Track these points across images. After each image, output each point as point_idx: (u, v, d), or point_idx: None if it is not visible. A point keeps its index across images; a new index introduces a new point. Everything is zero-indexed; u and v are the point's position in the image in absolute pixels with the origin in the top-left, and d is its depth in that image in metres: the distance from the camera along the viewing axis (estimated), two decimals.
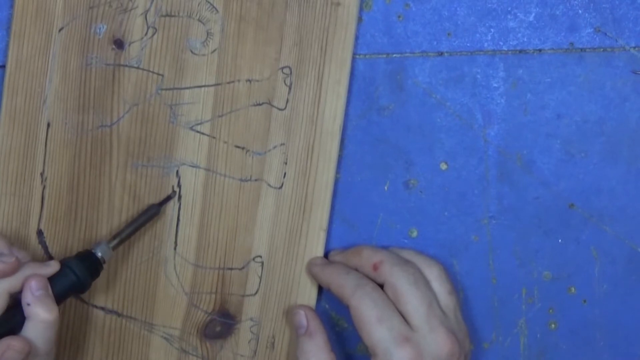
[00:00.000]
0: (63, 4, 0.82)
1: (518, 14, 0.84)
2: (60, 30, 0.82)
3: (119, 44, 0.82)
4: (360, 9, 0.84)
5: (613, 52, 0.85)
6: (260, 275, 0.85)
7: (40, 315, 0.74)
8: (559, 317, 0.88)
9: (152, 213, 0.82)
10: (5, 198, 0.82)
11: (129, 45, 0.82)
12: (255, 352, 0.85)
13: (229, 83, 0.83)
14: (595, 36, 0.85)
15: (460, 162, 0.85)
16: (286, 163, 0.84)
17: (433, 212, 0.86)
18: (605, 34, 0.84)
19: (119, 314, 0.84)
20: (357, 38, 0.84)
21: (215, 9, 0.82)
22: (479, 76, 0.85)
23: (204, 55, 0.83)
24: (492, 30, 0.85)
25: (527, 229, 0.86)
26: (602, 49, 0.85)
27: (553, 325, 0.88)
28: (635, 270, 0.86)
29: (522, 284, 0.87)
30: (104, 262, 0.79)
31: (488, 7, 0.84)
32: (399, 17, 0.84)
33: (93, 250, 0.79)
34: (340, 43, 0.83)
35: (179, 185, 0.84)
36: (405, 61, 0.84)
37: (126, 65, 0.83)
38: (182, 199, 0.84)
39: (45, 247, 0.83)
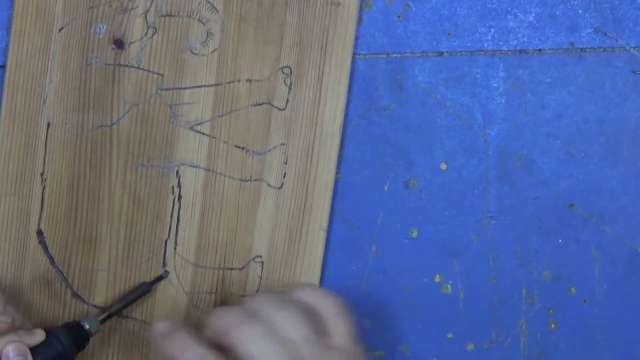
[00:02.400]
0: (63, 4, 0.82)
1: (518, 14, 0.84)
2: (60, 30, 0.82)
3: (119, 44, 0.82)
4: (360, 9, 0.84)
5: (613, 52, 0.85)
6: (260, 275, 0.84)
7: None
8: (559, 317, 0.88)
9: (142, 291, 0.83)
10: (5, 198, 0.82)
11: (129, 45, 0.82)
12: None
13: (229, 83, 0.83)
14: (595, 36, 0.85)
15: (460, 162, 0.85)
16: (286, 163, 0.84)
17: (433, 212, 0.86)
18: (605, 34, 0.84)
19: (121, 315, 0.84)
20: (357, 38, 0.84)
21: (215, 9, 0.82)
22: (479, 76, 0.85)
23: (204, 55, 0.83)
24: (492, 30, 0.85)
25: (527, 229, 0.86)
26: (602, 49, 0.85)
27: (553, 325, 0.88)
28: (635, 270, 0.86)
29: (522, 284, 0.87)
30: (91, 334, 0.80)
31: (488, 7, 0.84)
32: (399, 17, 0.84)
33: (81, 322, 0.80)
34: (341, 43, 0.83)
35: (179, 185, 0.84)
36: (405, 61, 0.84)
37: (126, 65, 0.83)
38: (182, 198, 0.84)
39: (45, 247, 0.83)
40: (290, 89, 0.83)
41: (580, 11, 0.84)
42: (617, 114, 0.85)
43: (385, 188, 0.86)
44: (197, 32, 0.83)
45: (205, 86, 0.83)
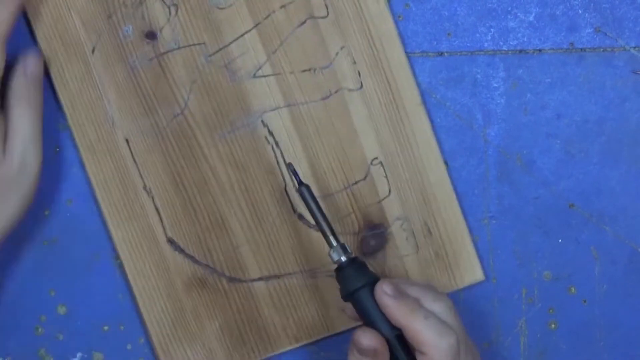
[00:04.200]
0: (83, 27, 0.82)
1: (518, 14, 0.84)
2: (93, 51, 0.82)
3: (151, 35, 0.82)
4: None
5: (613, 52, 0.84)
6: (385, 174, 0.84)
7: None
8: (559, 317, 0.87)
9: (310, 193, 0.78)
10: (123, 225, 0.83)
11: (160, 32, 0.82)
12: (417, 245, 0.84)
13: (266, 18, 0.83)
14: (595, 36, 0.84)
15: (460, 162, 0.85)
16: (355, 62, 0.83)
17: None
18: (605, 34, 0.84)
19: (278, 276, 0.84)
20: None
21: None
22: (479, 76, 0.85)
23: (230, 5, 0.83)
24: (492, 30, 0.84)
25: (527, 229, 0.86)
26: (602, 49, 0.84)
27: (553, 325, 0.87)
28: (635, 270, 0.86)
29: (522, 284, 0.86)
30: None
31: (488, 7, 0.84)
32: (399, 17, 0.84)
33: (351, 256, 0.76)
34: None
35: (270, 134, 0.83)
36: None
37: (167, 51, 0.82)
38: (280, 143, 0.83)
39: (182, 251, 0.83)
40: None
41: (580, 11, 0.84)
42: (617, 114, 0.85)
43: None
44: None
45: (246, 33, 0.83)
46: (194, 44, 0.83)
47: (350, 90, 0.84)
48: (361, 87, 0.84)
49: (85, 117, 0.82)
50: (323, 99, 0.84)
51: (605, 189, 0.86)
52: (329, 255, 0.76)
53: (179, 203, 0.83)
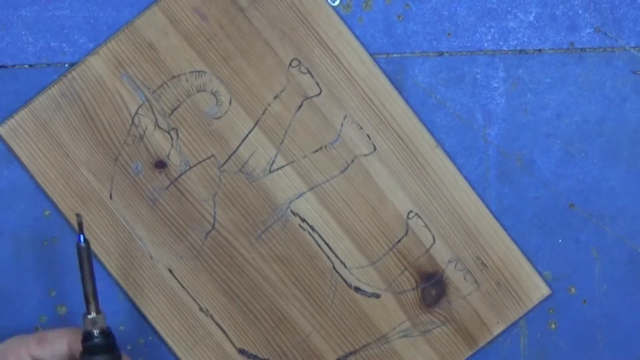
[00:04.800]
0: (94, 177, 0.83)
1: (518, 14, 0.84)
2: (110, 197, 0.83)
3: (161, 164, 0.83)
4: (360, 9, 0.83)
5: (613, 52, 0.84)
6: (424, 224, 0.84)
7: None
8: (559, 317, 0.87)
9: (84, 252, 0.71)
10: (192, 352, 0.84)
11: (168, 158, 0.83)
12: (475, 281, 0.85)
13: (264, 113, 0.83)
14: (595, 36, 0.84)
15: (460, 162, 0.85)
16: (361, 127, 0.84)
17: None
18: (605, 34, 0.84)
19: (354, 352, 0.85)
20: (357, 38, 0.83)
21: (202, 71, 0.83)
22: (479, 76, 0.85)
23: (226, 111, 0.83)
24: (492, 30, 0.84)
25: (527, 229, 0.86)
26: (602, 49, 0.84)
27: (553, 325, 0.87)
28: (635, 270, 0.86)
29: None
30: (107, 328, 0.71)
31: (488, 7, 0.84)
32: (399, 17, 0.84)
33: (93, 335, 0.71)
34: (310, 1, 0.83)
35: (303, 220, 0.84)
36: (405, 61, 0.84)
37: (181, 174, 0.83)
38: (315, 227, 0.84)
39: (256, 358, 0.84)
40: (310, 73, 0.83)
41: (580, 11, 0.84)
42: (617, 114, 0.85)
43: None
44: (206, 100, 0.83)
45: (249, 133, 0.83)
46: (203, 160, 0.83)
47: (365, 155, 0.84)
48: (375, 149, 0.84)
49: (124, 262, 0.83)
50: (342, 172, 0.84)
51: (605, 189, 0.85)
52: (83, 321, 0.71)
53: (238, 313, 0.84)
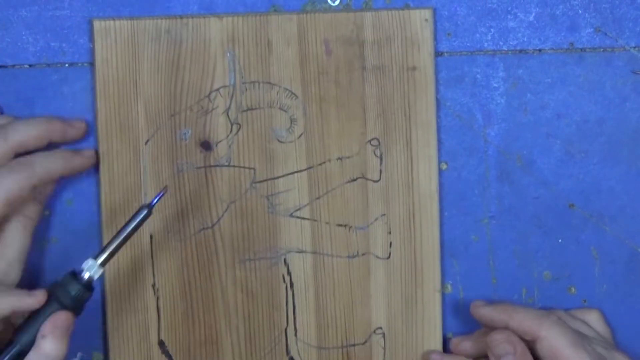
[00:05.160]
0: (145, 116, 0.82)
1: (518, 14, 0.84)
2: (146, 143, 0.83)
3: (207, 145, 0.83)
4: (360, 9, 0.83)
5: (613, 52, 0.84)
6: (383, 346, 0.85)
7: (48, 350, 0.72)
8: None
9: (141, 217, 0.75)
10: (121, 315, 0.83)
11: (216, 145, 0.83)
12: None
13: (320, 165, 0.84)
14: (595, 36, 0.85)
15: (460, 162, 0.85)
16: (390, 233, 0.84)
17: None
18: (605, 34, 0.84)
19: None
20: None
21: (294, 94, 0.83)
22: (479, 76, 0.85)
23: (291, 141, 0.83)
24: (492, 30, 0.84)
25: (527, 229, 0.86)
26: (602, 49, 0.84)
27: None
28: (635, 270, 0.86)
29: (522, 284, 0.87)
30: (93, 280, 0.74)
31: (488, 7, 0.84)
32: None
33: (80, 273, 0.75)
34: (423, 106, 0.83)
35: (288, 273, 0.84)
36: None
37: (217, 165, 0.83)
38: (295, 285, 0.84)
39: (169, 357, 0.84)
40: (381, 159, 0.84)
41: (580, 11, 0.84)
42: (617, 114, 0.85)
43: None
44: (281, 120, 0.83)
45: (297, 172, 0.83)
46: (244, 167, 0.83)
47: (377, 257, 0.85)
48: (389, 257, 0.84)
49: (119, 200, 0.83)
50: (349, 257, 0.84)
51: (605, 189, 0.86)
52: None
53: (181, 310, 0.84)
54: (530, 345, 0.78)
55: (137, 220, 0.75)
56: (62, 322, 0.73)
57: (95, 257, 0.74)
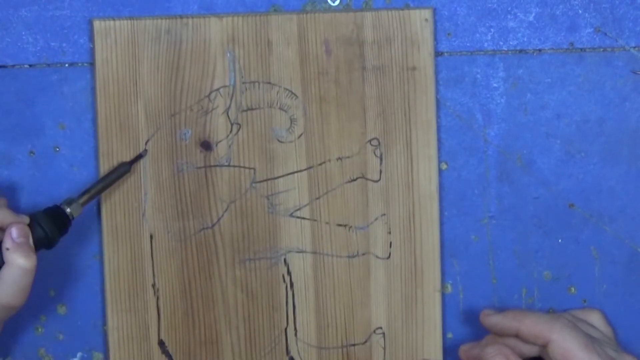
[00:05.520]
0: (145, 116, 0.82)
1: (518, 14, 0.84)
2: (146, 143, 0.83)
3: (207, 145, 0.83)
4: (360, 9, 0.83)
5: (613, 52, 0.84)
6: (383, 346, 0.85)
7: (18, 260, 0.74)
8: None
9: (122, 171, 0.81)
10: (122, 315, 0.83)
11: (216, 145, 0.83)
12: None
13: (320, 165, 0.84)
14: (595, 36, 0.84)
15: (460, 162, 0.85)
16: (390, 232, 0.84)
17: None
18: (605, 34, 0.84)
19: None
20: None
21: (294, 94, 0.83)
22: (479, 76, 0.85)
23: (291, 141, 0.83)
24: (492, 30, 0.84)
25: (527, 229, 0.86)
26: (602, 49, 0.84)
27: None
28: (635, 270, 0.87)
29: (522, 284, 0.87)
30: (73, 218, 0.78)
31: (488, 7, 0.84)
32: None
33: (62, 206, 0.79)
34: (423, 106, 0.83)
35: (288, 273, 0.84)
36: None
37: (217, 165, 0.83)
38: (294, 285, 0.84)
39: (169, 357, 0.84)
40: (381, 159, 0.84)
41: (580, 11, 0.84)
42: (617, 114, 0.85)
43: None
44: (281, 120, 0.83)
45: (297, 172, 0.83)
46: (244, 167, 0.83)
47: (377, 257, 0.84)
48: (389, 257, 0.84)
49: (119, 200, 0.83)
50: (349, 257, 0.84)
51: (605, 189, 0.86)
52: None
53: (181, 310, 0.84)
54: (541, 350, 0.78)
55: (117, 173, 0.81)
56: (20, 232, 0.75)
57: (78, 198, 0.79)
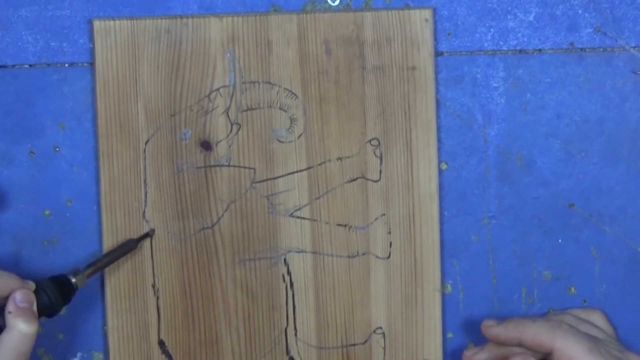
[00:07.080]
0: (145, 116, 0.82)
1: (518, 14, 0.84)
2: (146, 143, 0.83)
3: (206, 145, 0.83)
4: (360, 9, 0.83)
5: (613, 52, 0.84)
6: (383, 346, 0.85)
7: (20, 325, 0.73)
8: None
9: (128, 248, 0.82)
10: (121, 315, 0.83)
11: (216, 145, 0.83)
12: None
13: (320, 164, 0.84)
14: (595, 36, 0.85)
15: (460, 162, 0.85)
16: (390, 232, 0.84)
17: None
18: (605, 34, 0.84)
19: None
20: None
21: (294, 94, 0.83)
22: (479, 76, 0.85)
23: (291, 141, 0.83)
24: (492, 30, 0.85)
25: (527, 229, 0.86)
26: (602, 49, 0.85)
27: None
28: (635, 270, 0.87)
29: (522, 284, 0.87)
30: (77, 288, 0.78)
31: (488, 7, 0.84)
32: None
33: (68, 276, 0.78)
34: (423, 106, 0.83)
35: (288, 273, 0.84)
36: None
37: (217, 165, 0.83)
38: (294, 285, 0.84)
39: (169, 357, 0.84)
40: (381, 159, 0.84)
41: (580, 11, 0.84)
42: (617, 114, 0.85)
43: None
44: (281, 120, 0.83)
45: (297, 171, 0.84)
46: (244, 167, 0.83)
47: (377, 257, 0.85)
48: (389, 257, 0.85)
49: (119, 199, 0.83)
50: (349, 257, 0.85)
51: (605, 189, 0.86)
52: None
53: (181, 310, 0.84)
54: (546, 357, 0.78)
55: (124, 249, 0.82)
56: (24, 298, 0.74)
57: (84, 270, 0.79)
